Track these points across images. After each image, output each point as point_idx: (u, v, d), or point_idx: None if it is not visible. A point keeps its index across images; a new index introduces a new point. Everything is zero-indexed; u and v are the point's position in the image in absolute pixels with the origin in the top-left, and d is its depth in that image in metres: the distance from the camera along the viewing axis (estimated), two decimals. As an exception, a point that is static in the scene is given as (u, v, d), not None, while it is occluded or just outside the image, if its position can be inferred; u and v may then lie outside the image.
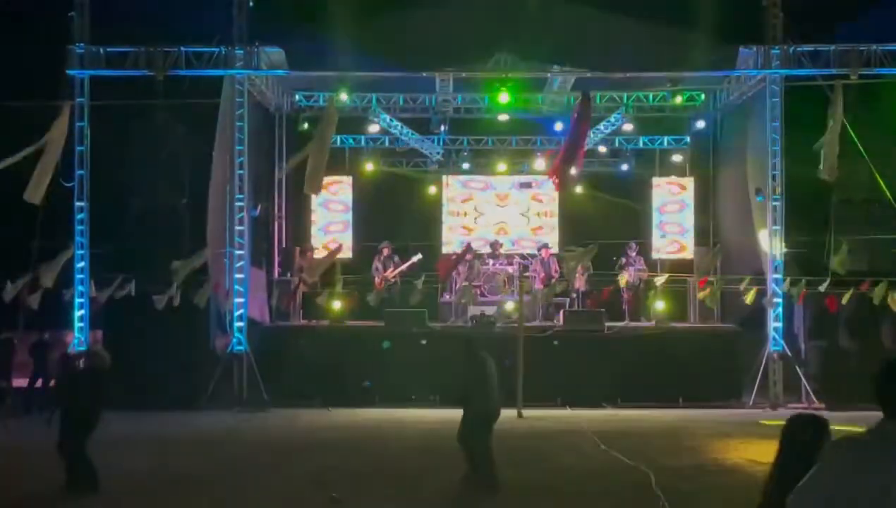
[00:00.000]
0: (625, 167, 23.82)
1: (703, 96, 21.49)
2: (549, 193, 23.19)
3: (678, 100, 20.02)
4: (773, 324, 17.49)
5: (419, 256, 20.12)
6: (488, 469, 10.30)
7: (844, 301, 17.02)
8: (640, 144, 23.57)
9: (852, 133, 17.07)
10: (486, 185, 23.51)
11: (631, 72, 18.91)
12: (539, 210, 23.36)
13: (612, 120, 22.22)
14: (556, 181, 19.20)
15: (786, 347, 17.38)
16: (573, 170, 18.47)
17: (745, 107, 19.53)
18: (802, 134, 17.48)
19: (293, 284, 19.90)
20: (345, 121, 21.32)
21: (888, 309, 16.77)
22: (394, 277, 19.75)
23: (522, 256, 21.24)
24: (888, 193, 17.27)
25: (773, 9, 17.36)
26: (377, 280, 19.65)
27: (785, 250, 17.64)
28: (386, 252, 20.05)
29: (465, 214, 23.39)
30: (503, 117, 21.69)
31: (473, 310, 18.83)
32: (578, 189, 23.21)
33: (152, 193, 18.26)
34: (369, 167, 23.44)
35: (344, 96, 19.25)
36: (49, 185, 16.76)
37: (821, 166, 16.88)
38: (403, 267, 19.83)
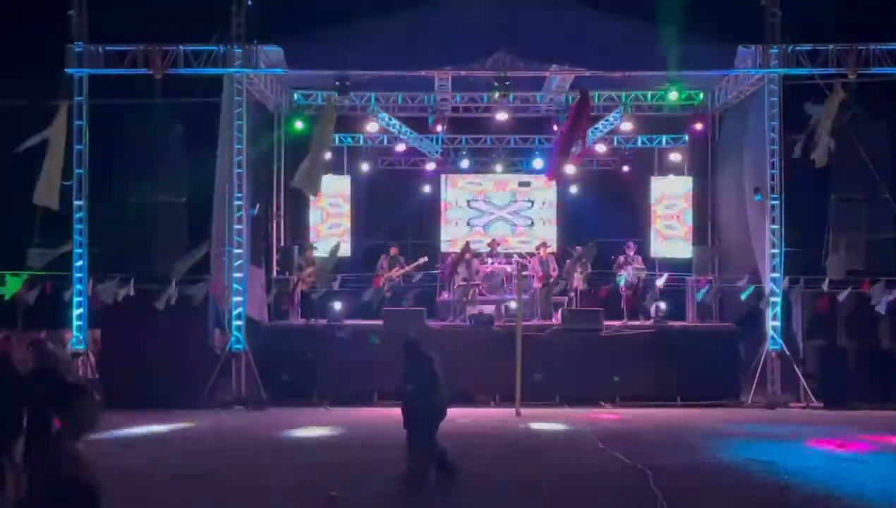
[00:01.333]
0: (625, 168, 23.82)
1: (701, 95, 21.51)
2: (547, 192, 23.23)
3: (674, 96, 19.99)
4: (772, 323, 17.50)
5: (425, 258, 20.16)
6: (424, 469, 10.19)
7: (840, 298, 17.05)
8: (639, 143, 23.59)
9: (852, 133, 17.10)
10: (484, 184, 23.54)
11: (629, 71, 18.90)
12: (537, 208, 23.40)
13: (611, 119, 22.23)
14: (550, 173, 19.21)
15: (784, 346, 17.40)
16: (569, 165, 18.46)
17: (743, 106, 19.55)
18: (801, 133, 17.48)
19: (292, 283, 19.89)
20: (343, 120, 21.33)
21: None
22: (398, 277, 19.77)
23: (521, 255, 21.25)
24: (887, 192, 17.31)
25: (771, 8, 17.36)
26: (380, 278, 19.67)
27: (783, 249, 17.64)
28: (393, 252, 20.13)
29: (464, 213, 23.42)
30: (502, 116, 21.70)
31: (472, 309, 18.85)
32: (574, 189, 23.29)
33: (151, 192, 18.25)
34: (367, 166, 23.45)
35: (341, 95, 19.19)
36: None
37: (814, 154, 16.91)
38: (410, 268, 19.88)
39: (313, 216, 22.56)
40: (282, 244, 21.59)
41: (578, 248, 19.85)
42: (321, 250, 20.19)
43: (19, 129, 17.00)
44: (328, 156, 19.96)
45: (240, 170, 17.69)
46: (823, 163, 16.93)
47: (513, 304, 18.72)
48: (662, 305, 19.23)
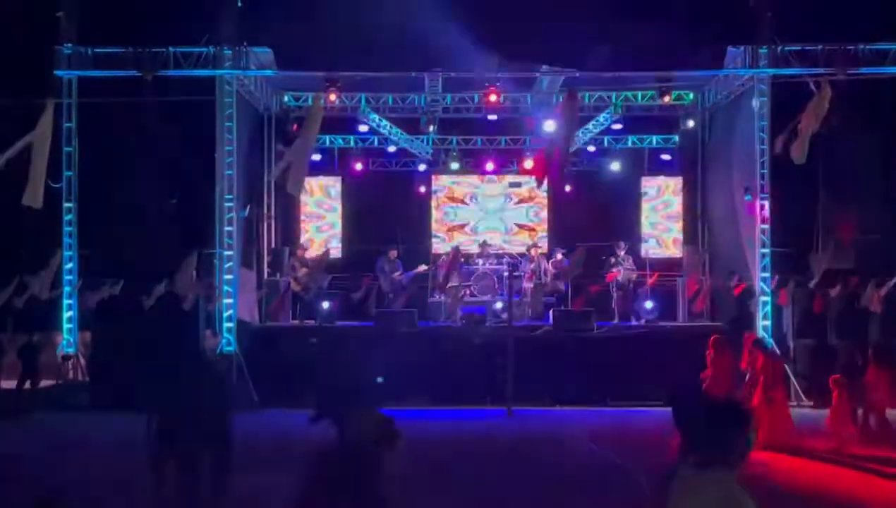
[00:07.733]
0: (615, 167, 23.82)
1: (691, 95, 21.54)
2: (538, 193, 23.22)
3: (666, 99, 20.03)
4: (762, 323, 17.54)
5: (424, 267, 20.18)
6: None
7: (833, 293, 17.09)
8: (629, 143, 23.60)
9: (840, 133, 17.14)
10: (476, 185, 23.53)
11: (619, 71, 18.92)
12: (528, 209, 23.39)
13: (601, 119, 22.25)
14: (542, 178, 19.08)
15: (774, 345, 17.42)
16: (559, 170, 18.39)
17: (733, 107, 19.59)
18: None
19: (283, 285, 19.87)
20: (333, 122, 21.30)
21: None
22: (397, 280, 19.83)
23: (511, 256, 21.25)
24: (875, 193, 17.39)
25: (761, 8, 17.39)
26: (383, 282, 19.71)
27: (772, 249, 17.69)
28: (392, 255, 20.13)
29: (455, 214, 23.41)
30: (492, 117, 21.72)
31: (463, 310, 18.89)
32: (565, 189, 23.28)
33: (141, 194, 18.21)
34: (358, 167, 23.42)
35: (333, 97, 19.20)
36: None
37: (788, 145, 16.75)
38: (411, 274, 19.92)
39: (304, 218, 22.52)
40: (273, 246, 21.56)
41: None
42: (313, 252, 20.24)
43: (4, 132, 16.91)
44: (314, 157, 19.89)
45: (230, 172, 17.65)
46: (802, 160, 16.80)
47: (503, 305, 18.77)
48: (653, 305, 19.23)
